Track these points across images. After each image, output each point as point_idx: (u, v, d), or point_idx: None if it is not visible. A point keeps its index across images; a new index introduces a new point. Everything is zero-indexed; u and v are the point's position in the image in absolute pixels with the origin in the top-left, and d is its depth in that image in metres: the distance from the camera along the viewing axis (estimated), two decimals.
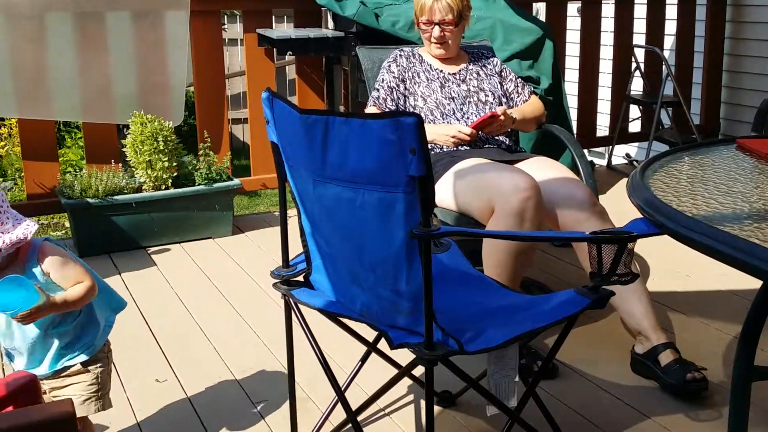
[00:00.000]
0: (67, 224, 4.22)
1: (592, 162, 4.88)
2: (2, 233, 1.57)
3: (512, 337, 1.57)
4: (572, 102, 4.69)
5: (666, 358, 2.19)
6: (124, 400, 2.22)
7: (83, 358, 1.72)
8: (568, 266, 3.13)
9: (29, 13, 3.33)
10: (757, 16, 4.75)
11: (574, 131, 4.36)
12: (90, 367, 1.74)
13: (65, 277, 1.65)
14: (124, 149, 3.48)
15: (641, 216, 1.56)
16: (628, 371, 2.30)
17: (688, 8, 4.81)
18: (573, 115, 4.67)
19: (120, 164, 3.59)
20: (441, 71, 2.68)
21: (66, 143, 5.89)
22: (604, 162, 4.93)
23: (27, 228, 1.60)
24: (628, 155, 5.16)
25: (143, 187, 3.45)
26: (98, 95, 3.54)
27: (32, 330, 1.67)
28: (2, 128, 5.52)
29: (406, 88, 2.65)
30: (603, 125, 4.91)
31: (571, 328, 1.73)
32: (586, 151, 5.54)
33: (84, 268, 1.68)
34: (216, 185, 3.49)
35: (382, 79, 2.66)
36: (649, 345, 2.23)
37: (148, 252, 3.39)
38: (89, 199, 3.29)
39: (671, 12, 4.81)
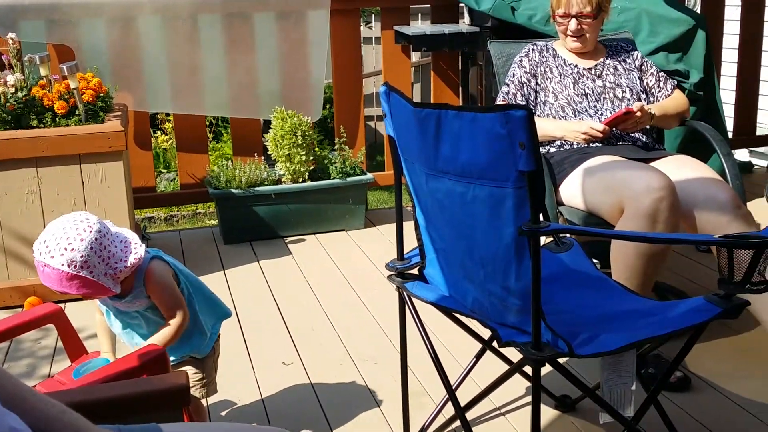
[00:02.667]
0: None
1: (749, 163, 4.55)
2: (116, 266, 1.63)
3: (628, 343, 1.48)
4: (730, 98, 4.39)
5: None
6: (252, 380, 2.32)
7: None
8: (711, 272, 2.92)
9: (183, 14, 3.55)
10: None
11: (729, 129, 4.06)
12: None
13: (162, 303, 1.71)
14: (266, 143, 3.63)
15: None
16: None
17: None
18: (729, 111, 4.37)
19: (262, 157, 3.74)
20: (575, 66, 2.58)
21: (222, 138, 6.24)
22: (765, 163, 4.56)
23: (136, 253, 1.65)
24: None
25: (282, 180, 3.58)
26: (244, 92, 3.71)
27: (140, 340, 1.77)
28: (168, 123, 5.93)
29: (537, 83, 2.58)
30: (765, 123, 4.55)
31: (698, 338, 1.61)
32: (746, 150, 5.17)
33: (178, 298, 1.72)
34: (350, 179, 3.56)
35: (513, 74, 2.60)
36: None
37: (285, 241, 3.51)
38: (233, 190, 3.46)
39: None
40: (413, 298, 1.78)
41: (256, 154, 3.71)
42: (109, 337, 1.84)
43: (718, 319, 1.58)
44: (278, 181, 3.58)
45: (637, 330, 1.55)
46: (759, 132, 4.48)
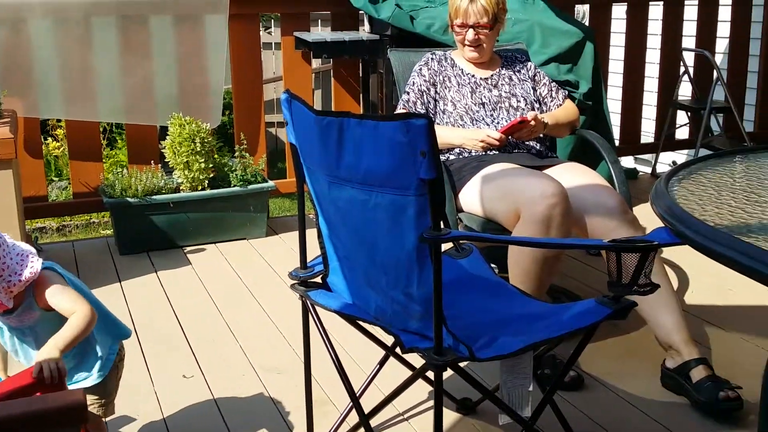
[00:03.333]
0: None
1: (634, 169, 4.79)
2: (10, 279, 1.57)
3: (525, 345, 1.53)
4: (616, 107, 4.61)
5: (698, 374, 2.12)
6: (152, 395, 2.25)
7: (89, 384, 1.74)
8: (602, 275, 3.04)
9: (76, 16, 3.41)
10: None
11: (616, 137, 4.26)
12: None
13: (59, 304, 1.63)
14: (163, 150, 3.54)
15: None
16: (658, 386, 2.23)
17: (743, 10, 4.66)
18: (616, 120, 4.58)
19: (159, 165, 3.65)
20: (473, 76, 2.65)
21: (117, 145, 6.04)
22: (649, 169, 4.81)
23: (32, 267, 1.59)
24: (674, 162, 5.03)
25: (180, 188, 3.49)
26: (140, 97, 3.60)
27: (34, 357, 1.68)
28: (59, 129, 5.69)
29: (436, 92, 2.62)
30: (649, 131, 4.79)
31: (591, 338, 1.68)
32: (631, 158, 5.44)
33: (77, 295, 1.65)
34: (251, 187, 3.52)
35: (413, 82, 2.64)
36: (681, 360, 2.16)
37: (185, 251, 3.43)
38: (129, 199, 3.35)
39: (724, 13, 4.67)
40: (317, 307, 1.78)
41: (152, 161, 3.60)
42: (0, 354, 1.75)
43: (608, 320, 1.65)
44: (176, 190, 3.49)
45: (534, 333, 1.61)
46: (643, 140, 4.72)
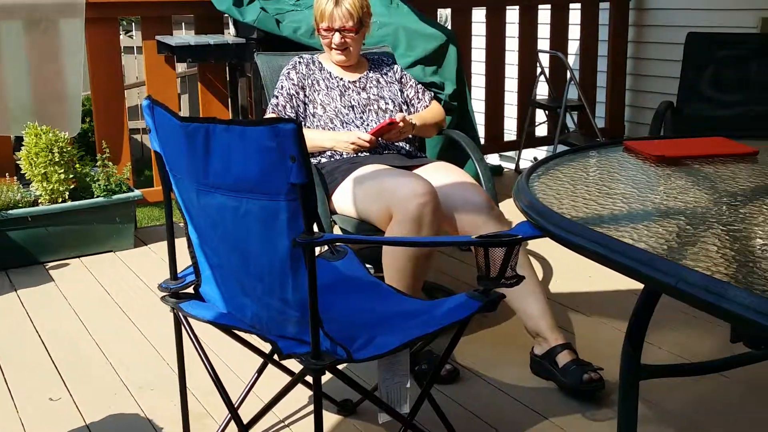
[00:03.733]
0: None
1: (499, 166, 4.99)
2: None
3: (402, 343, 1.56)
4: (480, 107, 4.78)
5: (563, 359, 2.23)
6: (16, 421, 2.12)
7: None
8: (474, 270, 3.15)
9: None
10: (658, 20, 4.93)
11: (481, 136, 4.42)
12: None
13: None
14: (19, 162, 3.34)
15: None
16: (528, 373, 2.33)
17: (591, 13, 4.95)
18: (480, 119, 4.75)
19: (15, 177, 3.44)
20: (341, 79, 2.67)
21: None
22: (513, 165, 5.02)
23: None
24: (535, 158, 5.28)
25: (39, 201, 3.31)
26: None
27: None
28: None
29: (305, 95, 2.63)
30: (511, 130, 5.00)
31: (464, 332, 1.74)
32: (496, 155, 5.65)
33: None
34: (115, 197, 3.38)
35: (282, 86, 2.63)
36: (548, 346, 2.27)
37: (46, 267, 3.25)
38: None
39: (575, 17, 4.94)
40: (190, 318, 1.74)
41: (7, 174, 3.39)
42: None
43: (479, 313, 1.71)
44: (34, 203, 3.30)
45: (409, 330, 1.64)
46: (506, 138, 4.92)
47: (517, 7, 4.73)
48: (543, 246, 3.02)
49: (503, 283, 1.67)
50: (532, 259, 3.11)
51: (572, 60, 5.03)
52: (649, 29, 4.99)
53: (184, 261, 1.78)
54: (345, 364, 1.66)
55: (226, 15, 3.75)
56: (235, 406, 1.91)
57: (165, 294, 1.77)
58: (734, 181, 1.69)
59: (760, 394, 2.20)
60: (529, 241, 2.41)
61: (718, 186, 1.66)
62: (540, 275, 3.10)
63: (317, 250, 1.67)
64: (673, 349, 2.46)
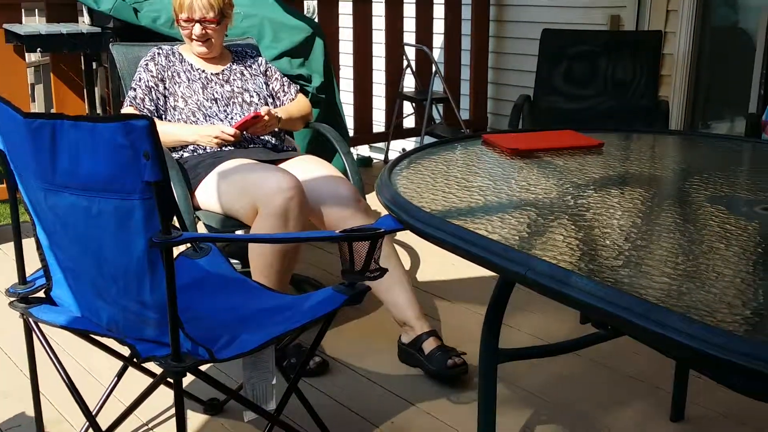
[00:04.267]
0: None
1: (369, 157, 5.04)
2: None
3: (266, 340, 1.55)
4: (349, 99, 4.80)
5: (429, 346, 2.29)
6: None
7: None
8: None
9: None
10: (516, 16, 5.12)
11: (350, 128, 4.45)
12: None
13: None
14: None
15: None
16: (397, 361, 2.38)
17: (454, 8, 5.08)
18: (349, 111, 4.78)
19: None
20: (203, 71, 2.61)
21: None
22: (382, 156, 5.09)
23: None
24: (404, 149, 5.37)
25: None
26: None
27: None
28: None
29: (165, 87, 2.55)
30: (380, 121, 5.06)
31: (330, 325, 1.75)
32: (366, 146, 5.71)
33: None
34: None
35: (140, 78, 2.53)
36: (414, 334, 2.32)
37: None
38: None
39: (439, 11, 5.05)
40: (43, 324, 1.65)
41: None
42: None
43: (345, 306, 1.73)
44: None
45: (275, 326, 1.63)
46: (376, 129, 4.98)
47: (383, 0, 4.77)
48: (410, 236, 3.08)
49: (368, 276, 1.69)
50: (399, 248, 3.17)
51: (438, 53, 5.15)
52: (508, 24, 5.18)
53: (34, 263, 1.68)
54: (210, 364, 1.63)
55: (80, 2, 3.56)
56: (95, 410, 1.84)
57: (13, 299, 1.67)
58: (581, 173, 1.79)
59: (606, 370, 2.36)
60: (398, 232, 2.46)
61: (566, 177, 1.76)
62: (407, 264, 3.17)
63: (181, 247, 1.63)
64: (532, 331, 2.59)
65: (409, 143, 5.50)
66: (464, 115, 5.18)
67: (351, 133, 4.65)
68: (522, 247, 1.32)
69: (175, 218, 1.50)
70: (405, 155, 1.89)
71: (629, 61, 3.82)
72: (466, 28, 5.17)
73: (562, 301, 1.17)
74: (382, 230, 1.65)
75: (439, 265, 3.16)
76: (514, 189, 1.69)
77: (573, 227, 1.45)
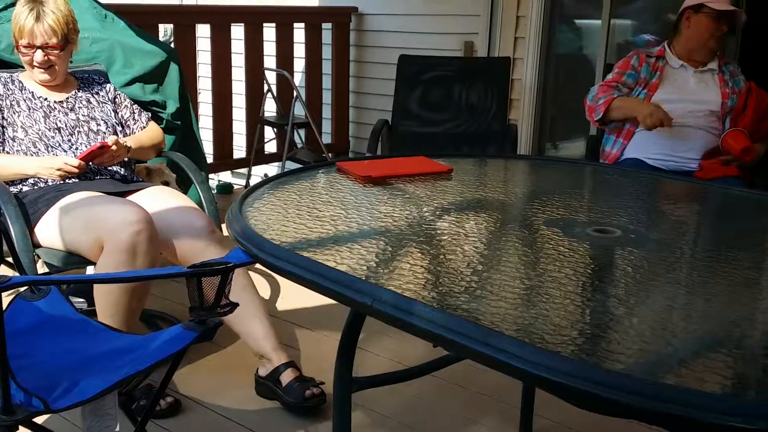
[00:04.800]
0: None
1: (229, 184, 4.96)
2: None
3: (108, 386, 1.48)
4: (209, 124, 4.72)
5: (287, 377, 2.27)
6: None
7: None
8: None
9: None
10: (376, 41, 5.21)
11: (209, 155, 4.36)
12: None
13: None
14: None
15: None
16: (255, 395, 2.34)
17: (315, 33, 5.11)
18: (209, 137, 4.70)
19: None
20: (45, 99, 2.48)
21: None
22: (244, 182, 5.02)
23: None
24: (266, 175, 5.32)
25: None
26: None
27: None
28: None
29: (4, 117, 2.40)
30: (242, 147, 5.00)
31: (179, 364, 1.70)
32: (228, 173, 5.62)
33: None
34: None
35: None
36: (271, 366, 2.29)
37: None
38: None
39: (300, 35, 5.07)
40: None
41: None
42: None
43: (195, 343, 1.67)
44: None
45: (119, 369, 1.56)
46: (237, 155, 4.91)
47: (242, 24, 4.74)
48: None
49: (218, 312, 1.65)
50: (258, 277, 3.13)
51: (300, 77, 5.16)
52: (368, 50, 5.27)
53: None
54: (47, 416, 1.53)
55: None
56: None
57: None
58: (430, 199, 1.84)
59: (459, 389, 2.42)
60: None
61: (416, 204, 1.80)
62: (266, 294, 3.13)
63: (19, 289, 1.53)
64: (390, 355, 2.62)
65: (272, 168, 5.46)
66: (327, 139, 5.21)
67: (211, 159, 4.57)
68: (369, 277, 1.33)
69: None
70: (257, 185, 1.87)
71: (481, 86, 3.98)
72: (327, 52, 5.21)
73: (408, 330, 1.19)
74: (232, 264, 1.62)
75: (299, 292, 3.09)
76: (365, 218, 1.71)
77: (420, 255, 1.48)
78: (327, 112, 5.28)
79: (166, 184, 2.69)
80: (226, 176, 5.65)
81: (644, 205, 1.94)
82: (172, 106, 3.43)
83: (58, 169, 2.31)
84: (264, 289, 3.13)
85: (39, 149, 2.38)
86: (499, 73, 4.00)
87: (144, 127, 2.68)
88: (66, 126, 2.46)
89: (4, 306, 1.43)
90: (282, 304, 3.06)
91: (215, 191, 5.27)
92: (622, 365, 1.04)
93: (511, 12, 4.40)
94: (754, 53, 4.19)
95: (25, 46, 2.42)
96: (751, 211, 1.92)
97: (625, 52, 3.59)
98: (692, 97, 3.06)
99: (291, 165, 4.75)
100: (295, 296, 3.12)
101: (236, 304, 1.66)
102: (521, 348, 1.05)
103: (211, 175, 5.29)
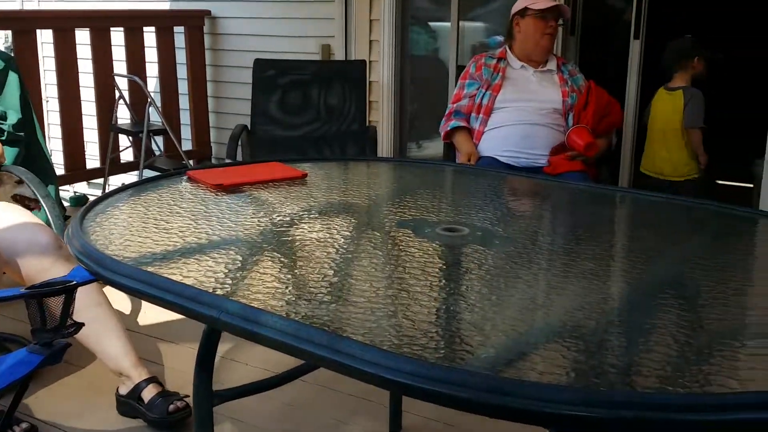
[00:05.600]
0: None
1: (84, 195, 4.74)
2: None
3: None
4: (59, 133, 4.48)
5: (149, 393, 2.20)
6: None
7: None
8: None
9: None
10: (231, 45, 5.12)
11: (60, 165, 4.15)
12: None
13: None
14: None
15: None
16: (117, 415, 2.25)
17: (166, 37, 4.96)
18: (59, 146, 4.47)
19: None
20: None
21: None
22: (100, 192, 4.81)
23: None
24: (123, 184, 5.12)
25: None
26: None
27: None
28: None
29: None
30: (96, 156, 4.78)
31: (27, 388, 1.61)
32: (84, 183, 5.35)
33: None
34: None
35: None
36: (132, 383, 2.21)
37: None
38: None
39: (151, 40, 4.90)
40: None
41: None
42: None
43: (42, 367, 1.59)
44: None
45: None
46: (91, 165, 4.69)
47: (88, 29, 4.52)
48: None
49: (64, 333, 1.57)
50: (115, 292, 3.00)
51: (153, 83, 4.99)
52: (225, 53, 5.17)
53: None
54: None
55: None
56: None
57: None
58: (284, 206, 1.83)
59: (332, 392, 2.43)
60: None
61: (268, 212, 1.78)
62: (126, 308, 3.01)
63: None
64: (261, 363, 2.59)
65: (131, 177, 5.25)
66: (187, 145, 5.07)
67: (62, 170, 4.34)
68: (216, 289, 1.31)
69: None
70: (100, 199, 1.79)
71: (339, 89, 4.01)
72: (181, 56, 5.07)
73: (257, 342, 1.18)
74: (75, 282, 1.54)
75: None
76: (215, 228, 1.68)
77: (270, 263, 1.47)
78: (186, 117, 5.14)
79: (22, 197, 2.54)
80: (82, 187, 5.39)
81: (493, 202, 2.02)
82: (13, 117, 3.23)
83: None
84: (123, 304, 3.01)
85: None
86: (357, 75, 4.04)
87: None
88: None
89: None
90: (144, 319, 2.95)
91: (69, 204, 5.01)
92: (464, 361, 1.08)
93: (364, 16, 4.45)
94: (592, 54, 4.46)
95: None
96: (593, 205, 2.04)
97: (477, 52, 3.74)
98: (535, 96, 3.22)
99: (151, 173, 4.59)
100: (157, 310, 2.97)
101: (81, 324, 1.59)
102: (368, 352, 1.06)
103: (66, 187, 5.03)
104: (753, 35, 5.71)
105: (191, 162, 4.87)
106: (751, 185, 3.72)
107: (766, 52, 5.66)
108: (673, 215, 1.90)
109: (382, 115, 4.47)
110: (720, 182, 3.85)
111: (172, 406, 2.15)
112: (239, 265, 1.44)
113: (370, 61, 4.39)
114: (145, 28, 4.83)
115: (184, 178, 2.02)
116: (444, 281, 1.41)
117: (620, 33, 4.21)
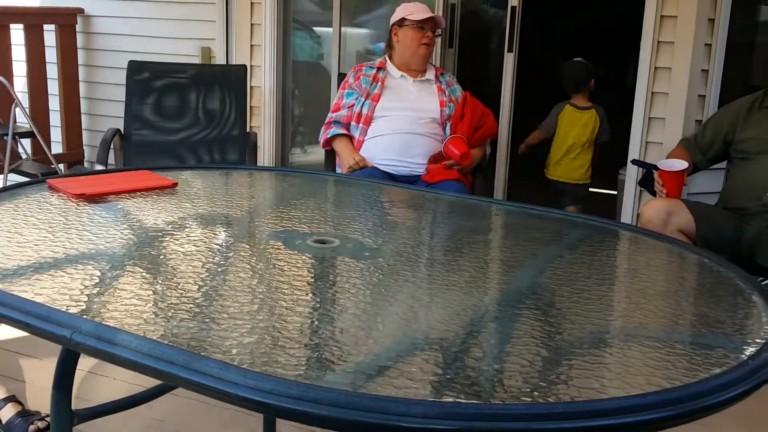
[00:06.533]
0: None
1: None
2: None
3: None
4: None
5: (7, 413, 2.08)
6: None
7: None
8: None
9: None
10: (105, 45, 4.93)
11: None
12: None
13: None
14: None
15: None
16: None
17: (35, 35, 4.72)
18: None
19: None
20: None
21: None
22: None
23: None
24: None
25: None
26: None
27: None
28: None
29: None
30: None
31: None
32: None
33: None
34: None
35: None
36: None
37: None
38: None
39: (19, 37, 4.65)
40: None
41: None
42: None
43: None
44: None
45: None
46: None
47: None
48: None
49: None
50: None
51: (22, 82, 4.73)
52: (99, 54, 4.97)
53: None
54: None
55: None
56: None
57: None
58: (151, 217, 1.77)
59: (203, 405, 2.39)
60: None
61: (133, 223, 1.72)
62: None
63: None
64: (129, 377, 2.50)
65: None
66: (58, 148, 4.84)
67: None
68: (70, 308, 1.25)
69: None
70: None
71: (219, 94, 3.93)
72: (51, 54, 4.83)
73: (113, 362, 1.13)
74: None
75: None
76: (74, 241, 1.60)
77: (131, 278, 1.42)
78: (56, 119, 4.90)
79: None
80: None
81: (366, 213, 2.03)
82: None
83: None
84: None
85: None
86: (237, 80, 3.98)
87: None
88: None
89: None
90: (4, 333, 2.79)
91: None
92: (324, 378, 1.08)
93: (245, 19, 4.39)
94: (469, 65, 4.59)
95: None
96: (464, 216, 2.09)
97: (362, 58, 3.77)
98: (414, 105, 3.28)
99: (19, 178, 4.35)
100: None
101: None
102: (227, 371, 1.04)
103: None
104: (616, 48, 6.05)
105: (61, 166, 4.65)
106: (615, 192, 3.95)
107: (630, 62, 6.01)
108: (540, 226, 1.97)
109: (263, 120, 4.42)
110: (591, 189, 4.09)
111: (32, 427, 2.04)
112: (97, 281, 1.38)
113: (251, 66, 4.34)
114: (12, 26, 4.58)
115: (45, 187, 1.92)
116: (310, 295, 1.41)
117: (496, 46, 4.36)
